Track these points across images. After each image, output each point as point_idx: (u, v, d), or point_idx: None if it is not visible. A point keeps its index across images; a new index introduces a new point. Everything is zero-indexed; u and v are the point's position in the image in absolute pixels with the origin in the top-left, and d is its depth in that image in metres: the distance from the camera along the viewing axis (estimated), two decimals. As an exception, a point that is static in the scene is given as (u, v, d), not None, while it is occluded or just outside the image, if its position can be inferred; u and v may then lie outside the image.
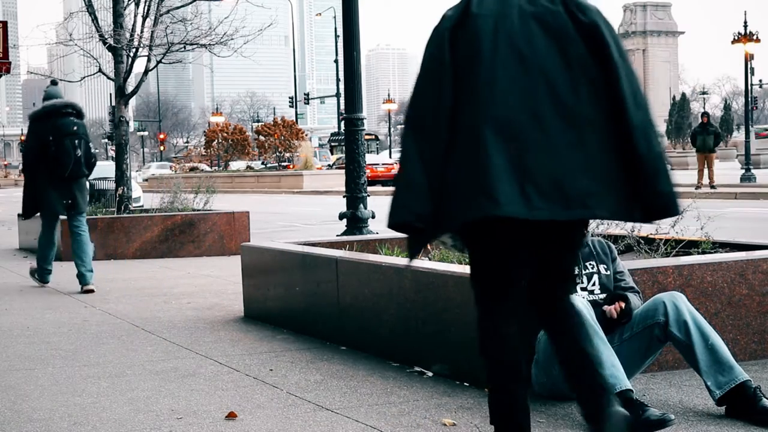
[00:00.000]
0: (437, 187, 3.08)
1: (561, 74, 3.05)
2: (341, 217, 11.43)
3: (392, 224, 3.22)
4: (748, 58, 34.72)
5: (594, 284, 4.43)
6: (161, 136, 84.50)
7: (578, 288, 4.37)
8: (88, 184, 9.67)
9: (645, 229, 6.10)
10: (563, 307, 3.30)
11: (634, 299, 4.38)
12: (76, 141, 9.27)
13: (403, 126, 3.25)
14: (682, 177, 29.93)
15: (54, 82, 9.99)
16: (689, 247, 5.73)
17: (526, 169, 2.97)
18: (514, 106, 3.01)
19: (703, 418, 4.06)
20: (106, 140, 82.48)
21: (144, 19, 14.55)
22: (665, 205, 3.10)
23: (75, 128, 9.32)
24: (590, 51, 3.07)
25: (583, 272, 4.43)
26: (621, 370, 3.91)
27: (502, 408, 3.24)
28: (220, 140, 61.68)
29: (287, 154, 56.43)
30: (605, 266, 4.50)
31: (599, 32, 3.08)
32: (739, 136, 64.06)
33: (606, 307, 4.26)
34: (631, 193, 3.06)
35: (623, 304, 4.24)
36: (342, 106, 20.55)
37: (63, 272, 11.25)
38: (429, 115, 3.12)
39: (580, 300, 4.10)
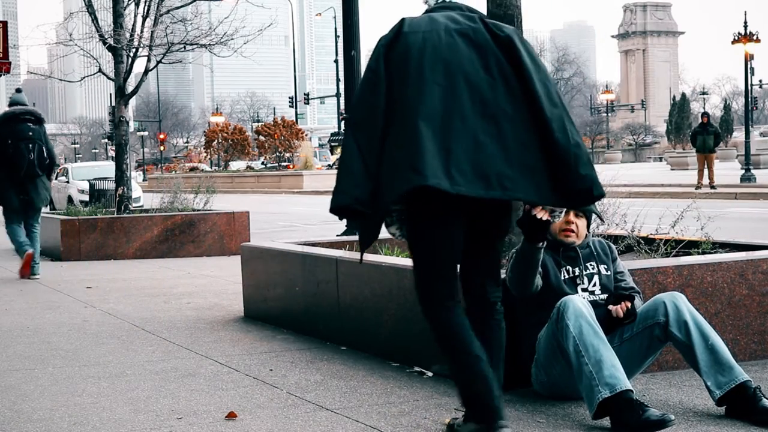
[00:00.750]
0: (374, 173, 3.49)
1: (481, 77, 3.51)
2: (341, 217, 11.42)
3: (334, 208, 3.62)
4: (748, 58, 34.71)
5: (594, 285, 4.42)
6: (161, 136, 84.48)
7: (579, 289, 4.37)
8: (49, 182, 10.87)
9: (645, 229, 6.11)
10: (492, 313, 3.69)
11: (636, 300, 4.38)
12: (30, 145, 10.47)
13: (345, 126, 3.72)
14: (682, 177, 29.93)
15: (18, 90, 11.15)
16: (689, 247, 5.73)
17: (450, 154, 3.39)
18: (439, 102, 3.47)
19: (703, 418, 4.06)
20: (106, 140, 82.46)
21: (144, 19, 14.55)
22: (589, 187, 3.47)
23: (30, 133, 10.54)
24: (507, 59, 3.54)
25: (584, 273, 4.43)
26: (621, 371, 3.91)
27: (472, 386, 3.53)
28: (220, 140, 61.70)
29: (287, 154, 56.46)
30: (605, 267, 4.50)
31: (514, 44, 3.55)
32: (739, 136, 64.09)
33: (612, 307, 4.25)
34: (551, 179, 3.46)
35: (629, 304, 4.24)
36: (342, 106, 20.53)
37: (63, 272, 11.26)
38: (366, 115, 3.57)
39: (580, 300, 4.10)
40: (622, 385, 3.85)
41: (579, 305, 4.05)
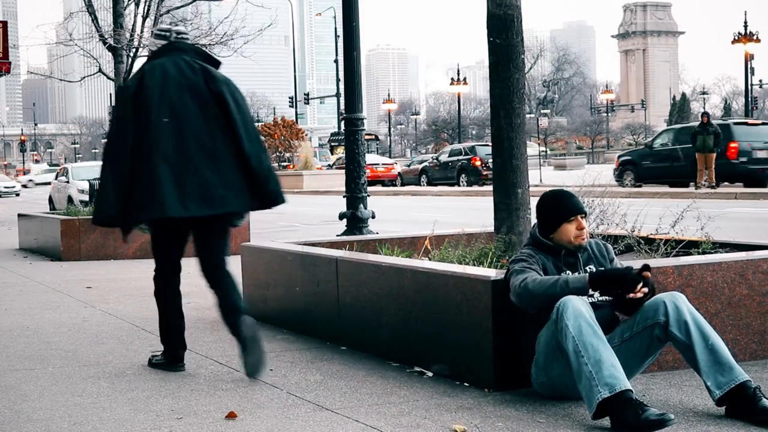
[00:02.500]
0: (123, 197, 4.99)
1: (202, 125, 5.03)
2: (341, 217, 11.43)
3: (94, 222, 5.32)
4: (748, 58, 34.76)
5: None
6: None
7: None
8: None
9: (645, 229, 6.11)
10: (221, 272, 5.24)
11: None
12: None
13: (102, 157, 5.23)
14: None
15: None
16: (689, 247, 5.73)
17: (184, 187, 4.92)
18: (172, 147, 4.95)
19: (703, 418, 4.05)
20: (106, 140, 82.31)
21: (144, 19, 14.57)
22: (275, 197, 5.22)
23: None
24: (219, 108, 5.06)
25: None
26: (620, 370, 3.91)
27: (169, 332, 5.40)
28: (220, 140, 61.56)
29: (287, 154, 56.41)
30: (604, 268, 4.49)
31: (223, 96, 5.08)
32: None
33: (631, 295, 4.16)
34: (252, 194, 5.09)
35: (647, 275, 4.13)
36: (342, 106, 20.56)
37: (64, 272, 11.26)
38: (118, 152, 5.04)
39: (580, 300, 4.10)
40: (621, 385, 3.85)
41: (578, 305, 4.05)
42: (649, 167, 27.84)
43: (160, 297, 5.40)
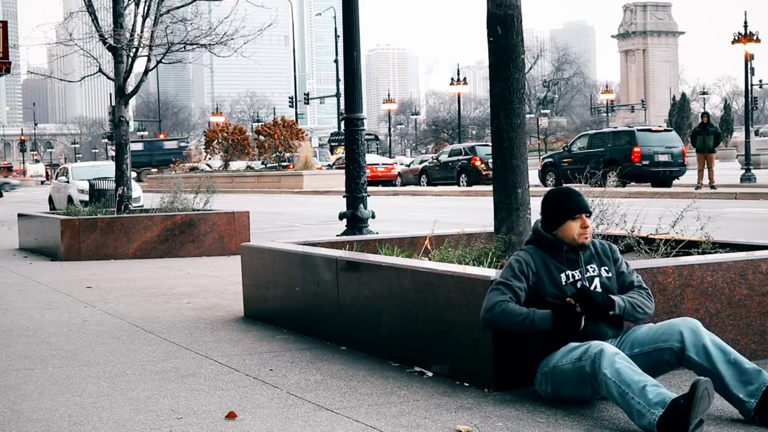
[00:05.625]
0: None
1: None
2: (341, 217, 11.43)
3: None
4: (748, 58, 34.70)
5: (595, 287, 4.40)
6: (161, 136, 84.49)
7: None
8: None
9: (645, 229, 6.11)
10: None
11: (640, 298, 4.38)
12: None
13: None
14: (682, 177, 29.91)
15: None
16: (689, 247, 5.73)
17: None
18: None
19: (707, 419, 4.04)
20: (106, 140, 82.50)
21: (144, 19, 14.53)
22: None
23: None
24: None
25: (585, 276, 4.42)
26: (660, 386, 3.86)
27: None
28: (220, 140, 61.65)
29: (287, 154, 56.38)
30: (606, 268, 4.49)
31: None
32: (739, 136, 63.99)
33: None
34: None
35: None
36: (342, 106, 20.55)
37: (64, 272, 11.26)
38: None
39: (607, 345, 4.07)
40: (667, 396, 3.78)
41: (609, 352, 3.99)
42: (568, 168, 30.12)
43: None
